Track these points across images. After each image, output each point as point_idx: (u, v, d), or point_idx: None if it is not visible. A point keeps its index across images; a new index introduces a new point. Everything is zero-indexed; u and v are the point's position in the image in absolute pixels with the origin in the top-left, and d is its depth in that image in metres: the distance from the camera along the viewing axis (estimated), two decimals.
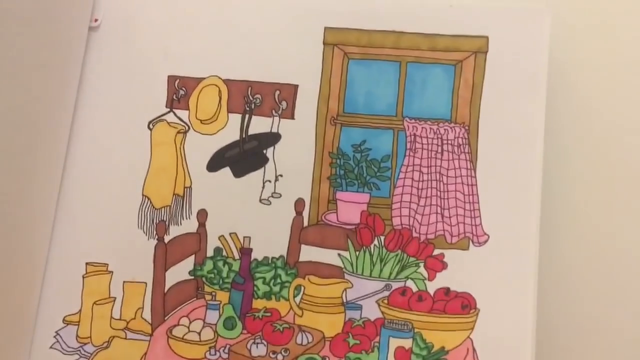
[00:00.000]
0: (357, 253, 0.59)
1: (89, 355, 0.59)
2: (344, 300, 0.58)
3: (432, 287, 0.57)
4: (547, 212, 0.57)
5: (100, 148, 0.62)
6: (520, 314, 0.55)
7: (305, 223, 0.60)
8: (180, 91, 0.62)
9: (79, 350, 0.60)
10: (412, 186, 0.59)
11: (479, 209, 0.57)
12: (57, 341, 0.60)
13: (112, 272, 0.61)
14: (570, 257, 0.58)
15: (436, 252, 0.57)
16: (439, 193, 0.58)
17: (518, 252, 0.56)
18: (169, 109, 0.62)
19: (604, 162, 0.60)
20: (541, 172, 0.56)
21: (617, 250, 0.59)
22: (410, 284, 0.58)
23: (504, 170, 0.57)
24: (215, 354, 0.58)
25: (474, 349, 0.55)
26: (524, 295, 0.55)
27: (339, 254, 0.59)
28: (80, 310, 0.60)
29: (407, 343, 0.56)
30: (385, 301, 0.58)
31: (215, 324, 0.59)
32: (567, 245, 0.58)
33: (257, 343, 0.58)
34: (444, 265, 0.57)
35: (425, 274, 0.57)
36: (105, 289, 0.61)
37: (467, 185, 0.58)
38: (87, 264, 0.61)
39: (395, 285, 0.58)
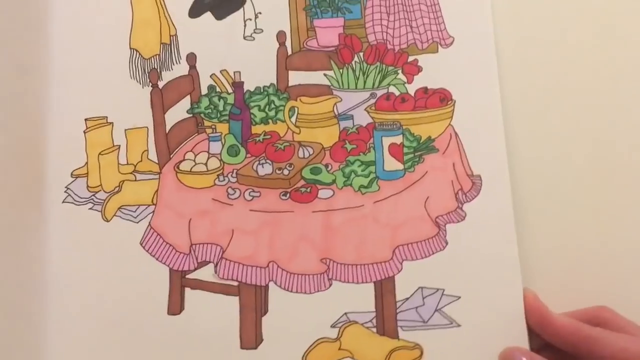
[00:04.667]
0: (341, 70, 0.64)
1: (102, 201, 0.62)
2: (336, 113, 0.64)
3: (411, 89, 0.64)
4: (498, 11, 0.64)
5: (82, 10, 0.64)
6: (489, 96, 0.62)
7: (289, 52, 0.65)
8: None
9: (92, 199, 0.62)
10: (380, 5, 0.65)
11: (442, 16, 0.64)
12: (69, 195, 0.62)
13: (112, 123, 0.63)
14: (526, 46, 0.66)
15: (410, 58, 0.64)
16: (405, 7, 0.65)
17: (479, 46, 0.63)
18: None
19: None
20: None
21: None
22: (392, 89, 0.64)
23: None
24: (223, 180, 0.63)
25: (455, 133, 0.63)
26: (489, 82, 0.62)
27: (324, 74, 0.64)
28: (86, 163, 0.63)
29: (398, 139, 0.62)
30: (373, 107, 0.64)
31: (220, 153, 0.63)
32: (524, 42, 0.66)
33: (262, 163, 0.63)
34: (419, 69, 0.64)
35: (404, 78, 0.64)
36: (108, 139, 0.63)
37: None
38: (86, 119, 0.63)
39: (380, 92, 0.64)
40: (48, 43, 0.63)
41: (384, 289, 0.60)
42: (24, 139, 0.62)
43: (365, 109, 0.64)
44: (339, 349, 0.60)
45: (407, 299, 0.60)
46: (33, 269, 0.61)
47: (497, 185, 0.61)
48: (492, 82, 0.62)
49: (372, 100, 0.64)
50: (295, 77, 0.64)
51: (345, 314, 0.60)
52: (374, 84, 0.64)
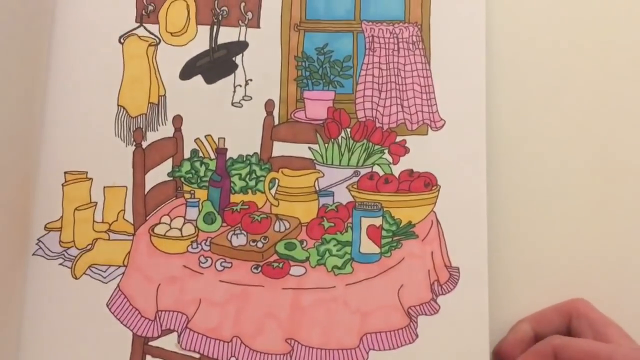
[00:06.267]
0: (326, 145, 0.63)
1: (73, 257, 0.61)
2: (317, 189, 0.63)
3: (396, 170, 0.62)
4: (492, 97, 0.63)
5: (75, 65, 0.64)
6: (475, 186, 0.60)
7: (276, 122, 0.64)
8: (149, 7, 0.66)
9: (63, 254, 0.62)
10: (372, 82, 0.64)
11: (434, 98, 0.63)
12: (40, 247, 0.62)
13: (92, 178, 0.63)
14: (516, 135, 0.64)
15: (398, 139, 0.62)
16: (397, 86, 0.64)
17: (470, 133, 0.61)
18: (139, 24, 0.65)
19: (547, 51, 0.66)
20: (484, 62, 0.62)
21: (563, 122, 0.65)
22: (377, 169, 0.63)
23: (454, 63, 0.63)
24: (197, 247, 0.62)
25: (437, 221, 0.60)
26: (477, 169, 0.60)
27: (309, 147, 0.63)
28: (62, 217, 0.62)
29: (378, 221, 0.60)
30: (355, 186, 0.62)
31: (196, 220, 0.62)
32: (512, 125, 0.64)
33: (237, 233, 0.62)
34: (407, 150, 0.62)
35: (390, 159, 0.62)
36: (86, 194, 0.63)
37: (423, 77, 0.63)
38: (65, 173, 0.63)
39: (363, 171, 0.63)
40: (45, 91, 0.63)
41: None
42: (8, 186, 0.62)
43: (347, 187, 0.62)
44: None
45: None
46: (5, 318, 0.60)
47: (475, 280, 0.59)
48: (480, 171, 0.60)
49: (355, 179, 0.63)
50: (280, 148, 0.63)
51: None
52: (358, 162, 0.63)
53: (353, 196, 0.62)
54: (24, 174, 0.62)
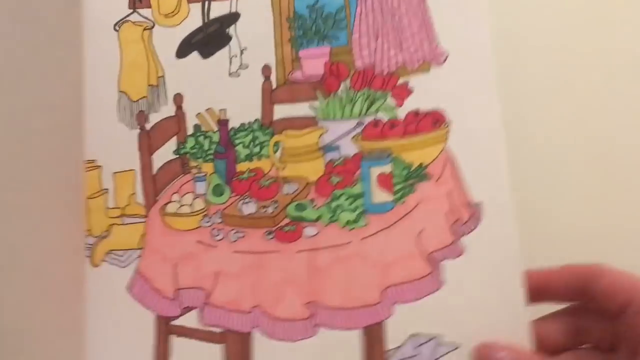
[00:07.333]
0: (327, 100, 0.61)
1: (90, 246, 0.62)
2: (321, 146, 0.60)
3: (402, 113, 0.58)
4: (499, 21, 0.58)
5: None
6: (488, 115, 0.56)
7: (274, 86, 0.62)
8: None
9: None
10: (367, 29, 0.61)
11: (433, 32, 0.59)
12: None
13: (101, 166, 0.63)
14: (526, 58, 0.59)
15: (401, 81, 0.59)
16: (393, 29, 0.60)
17: (476, 62, 0.57)
18: (132, 10, 0.66)
19: None
20: None
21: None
22: (381, 115, 0.59)
23: None
24: (208, 221, 0.60)
25: (451, 158, 0.56)
26: (488, 98, 0.56)
27: (309, 105, 0.61)
28: None
29: (387, 168, 0.57)
30: (360, 136, 0.59)
31: (205, 194, 0.61)
32: (523, 52, 0.59)
33: (247, 202, 0.60)
34: (410, 91, 0.58)
35: (394, 102, 0.59)
36: (96, 182, 0.63)
37: (420, 13, 0.60)
38: None
39: (368, 120, 0.59)
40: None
41: (373, 337, 0.54)
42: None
43: (352, 139, 0.59)
44: None
45: (399, 347, 0.53)
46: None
47: (500, 212, 0.54)
48: (491, 99, 0.56)
49: (359, 129, 0.59)
50: (281, 111, 0.61)
51: None
52: (361, 112, 0.60)
53: (359, 147, 0.59)
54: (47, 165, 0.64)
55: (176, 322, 0.59)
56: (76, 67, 0.63)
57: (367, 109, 0.59)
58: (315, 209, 0.58)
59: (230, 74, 0.63)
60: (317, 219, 0.57)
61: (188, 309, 0.59)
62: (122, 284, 0.60)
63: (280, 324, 0.56)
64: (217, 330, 0.57)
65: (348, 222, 0.56)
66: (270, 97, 0.62)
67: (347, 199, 0.57)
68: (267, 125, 0.61)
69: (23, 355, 0.61)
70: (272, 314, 0.56)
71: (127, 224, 0.62)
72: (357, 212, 0.56)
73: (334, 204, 0.57)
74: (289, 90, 0.62)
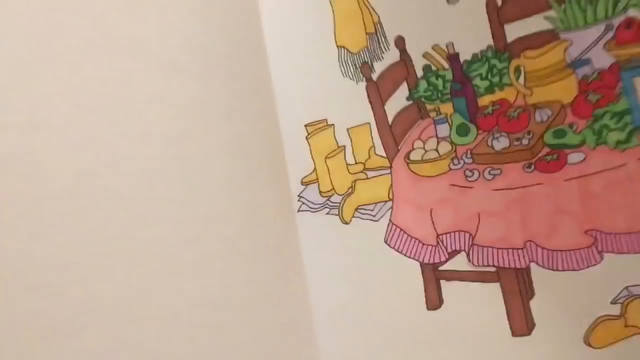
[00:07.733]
0: (563, 6, 0.56)
1: (337, 204, 0.62)
2: (569, 61, 0.57)
3: None
4: None
5: (285, 21, 0.64)
6: None
7: (499, 3, 0.58)
8: None
9: (327, 204, 0.62)
10: None
11: None
12: (303, 203, 0.63)
13: (333, 124, 0.62)
14: None
15: None
16: None
17: None
18: None
19: None
20: None
21: None
22: (633, 12, 0.53)
23: None
24: (458, 163, 0.59)
25: None
26: None
27: (544, 17, 0.57)
28: (314, 169, 0.63)
29: None
30: (613, 42, 0.54)
31: (449, 136, 0.60)
32: None
33: (497, 137, 0.58)
34: None
35: None
36: (332, 141, 0.62)
37: None
38: (305, 125, 0.63)
39: (617, 21, 0.55)
40: (266, 59, 0.64)
41: None
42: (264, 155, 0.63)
43: (603, 47, 0.55)
44: (625, 325, 0.53)
45: None
46: (292, 275, 0.62)
47: None
48: None
49: (610, 34, 0.55)
50: (513, 30, 0.58)
51: (627, 287, 0.53)
52: (607, 13, 0.55)
53: (614, 56, 0.55)
54: (271, 139, 0.63)
55: (444, 267, 0.59)
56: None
57: (614, 8, 0.54)
58: (577, 132, 0.55)
59: (448, 2, 0.60)
60: (581, 144, 0.55)
61: (454, 253, 0.58)
62: (378, 237, 0.60)
63: (560, 254, 0.55)
64: (490, 269, 0.57)
65: (619, 143, 0.54)
66: (498, 16, 0.58)
67: (612, 117, 0.54)
68: (502, 50, 0.58)
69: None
70: (548, 246, 0.55)
71: (371, 178, 0.61)
72: (627, 131, 0.54)
73: (597, 125, 0.55)
74: (517, 3, 0.58)
